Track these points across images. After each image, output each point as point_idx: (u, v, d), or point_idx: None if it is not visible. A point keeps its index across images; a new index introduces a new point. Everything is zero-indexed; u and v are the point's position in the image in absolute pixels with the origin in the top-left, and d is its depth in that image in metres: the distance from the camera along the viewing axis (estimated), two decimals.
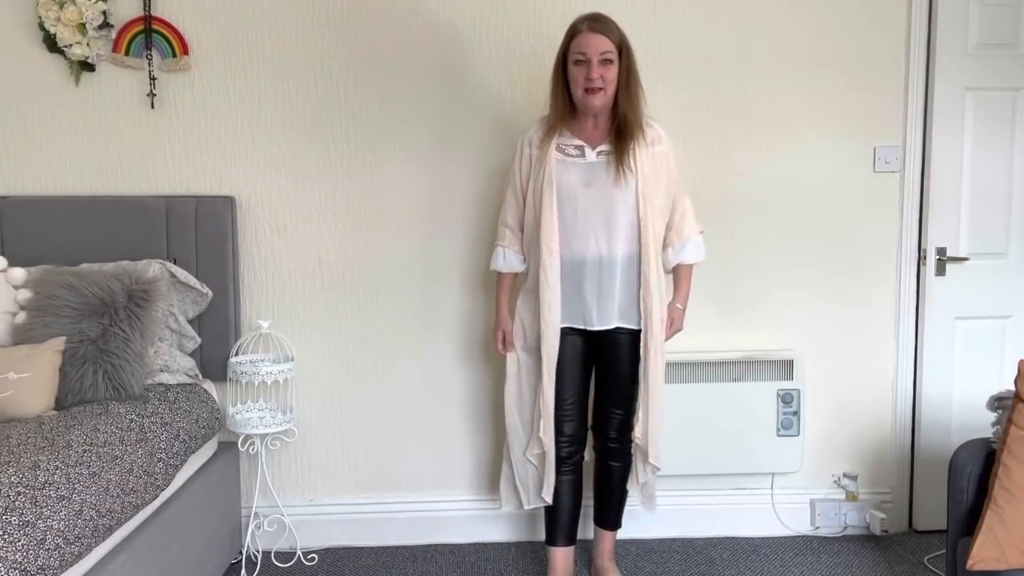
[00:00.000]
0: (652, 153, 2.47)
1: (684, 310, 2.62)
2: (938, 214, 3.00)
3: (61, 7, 2.78)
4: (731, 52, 2.95)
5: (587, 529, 2.81)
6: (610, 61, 2.37)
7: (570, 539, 2.66)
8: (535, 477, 2.60)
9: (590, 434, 2.68)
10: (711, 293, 3.02)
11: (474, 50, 2.92)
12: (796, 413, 2.94)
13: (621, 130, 2.43)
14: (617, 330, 2.51)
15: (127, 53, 2.85)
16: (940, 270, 3.01)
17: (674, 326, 2.60)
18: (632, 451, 2.61)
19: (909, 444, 3.10)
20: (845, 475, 3.05)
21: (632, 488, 2.67)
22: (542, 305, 2.48)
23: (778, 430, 2.94)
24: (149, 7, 2.83)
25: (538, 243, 2.48)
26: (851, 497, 3.04)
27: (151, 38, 2.85)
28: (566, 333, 2.52)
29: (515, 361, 2.60)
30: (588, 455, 2.71)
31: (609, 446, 2.63)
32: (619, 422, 2.60)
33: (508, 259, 2.61)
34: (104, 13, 2.79)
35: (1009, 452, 1.96)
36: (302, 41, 2.90)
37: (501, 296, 2.65)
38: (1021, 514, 1.90)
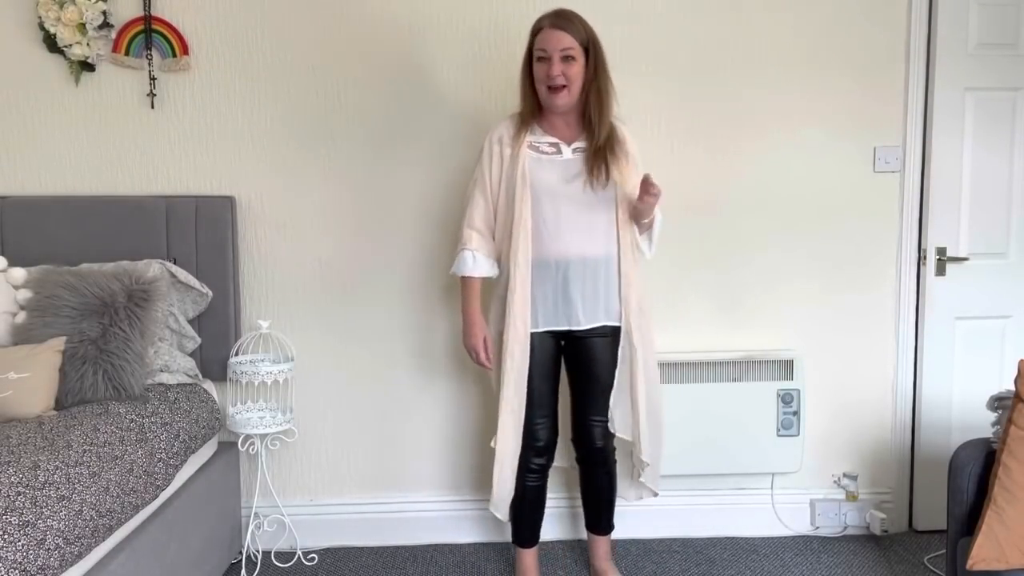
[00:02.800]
0: (626, 152, 2.47)
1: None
2: (938, 214, 3.00)
3: (61, 7, 2.78)
4: (732, 52, 2.95)
5: (581, 529, 2.80)
6: (572, 58, 2.34)
7: (536, 539, 2.71)
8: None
9: (570, 445, 2.66)
10: (711, 293, 3.02)
11: (476, 48, 2.92)
12: (796, 413, 2.94)
13: (592, 128, 2.42)
14: (596, 331, 2.48)
15: (127, 53, 2.85)
16: (940, 270, 3.01)
17: (656, 190, 2.33)
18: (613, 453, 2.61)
19: (909, 444, 3.10)
20: (845, 475, 3.05)
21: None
22: (510, 312, 2.42)
23: (778, 430, 2.94)
24: (149, 7, 2.83)
25: (510, 246, 2.43)
26: (851, 497, 3.04)
27: (151, 38, 2.85)
28: (542, 339, 2.47)
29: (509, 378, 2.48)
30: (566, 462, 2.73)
31: (595, 454, 2.60)
32: (602, 429, 2.57)
33: (479, 263, 2.48)
34: (104, 13, 2.79)
35: (1009, 452, 1.96)
36: (302, 41, 2.90)
37: (471, 303, 2.49)
38: (1021, 514, 1.90)
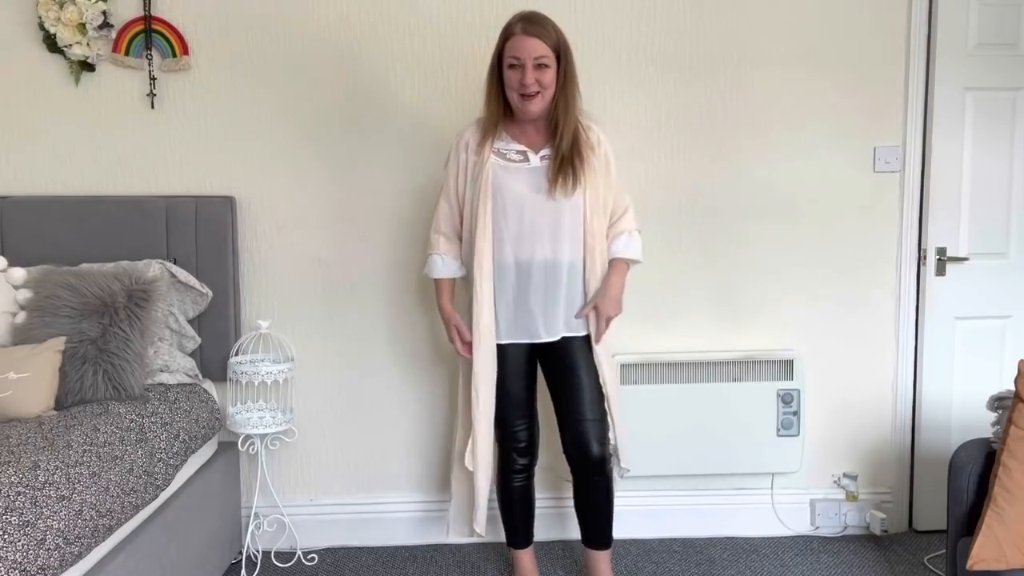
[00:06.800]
0: (597, 156, 2.41)
1: (613, 310, 2.44)
2: (938, 214, 3.00)
3: (61, 7, 2.78)
4: (731, 52, 2.95)
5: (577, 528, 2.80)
6: (546, 65, 2.28)
7: (530, 539, 2.70)
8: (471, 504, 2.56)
9: (564, 460, 2.58)
10: (711, 293, 3.02)
11: (476, 48, 2.92)
12: (796, 413, 2.94)
13: (559, 135, 2.36)
14: (565, 338, 2.45)
15: (127, 53, 2.85)
16: (940, 270, 3.01)
17: (600, 326, 2.43)
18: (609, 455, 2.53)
19: (909, 444, 3.10)
20: (845, 475, 3.05)
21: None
22: (476, 322, 2.40)
23: (778, 430, 2.94)
24: (149, 7, 2.83)
25: (475, 253, 2.40)
26: (851, 497, 3.04)
27: (151, 38, 2.85)
28: (509, 349, 2.45)
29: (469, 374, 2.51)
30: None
31: (591, 463, 2.48)
32: (597, 432, 2.46)
33: (448, 264, 2.51)
34: (104, 13, 2.79)
35: (1009, 452, 1.96)
36: (302, 41, 2.90)
37: (443, 298, 2.53)
38: (1021, 514, 1.90)
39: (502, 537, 3.00)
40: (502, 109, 2.39)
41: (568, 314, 2.43)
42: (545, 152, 2.40)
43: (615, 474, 2.57)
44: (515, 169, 2.39)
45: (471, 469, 2.52)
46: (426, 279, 2.97)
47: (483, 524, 2.57)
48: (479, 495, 2.52)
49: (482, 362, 2.43)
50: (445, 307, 2.54)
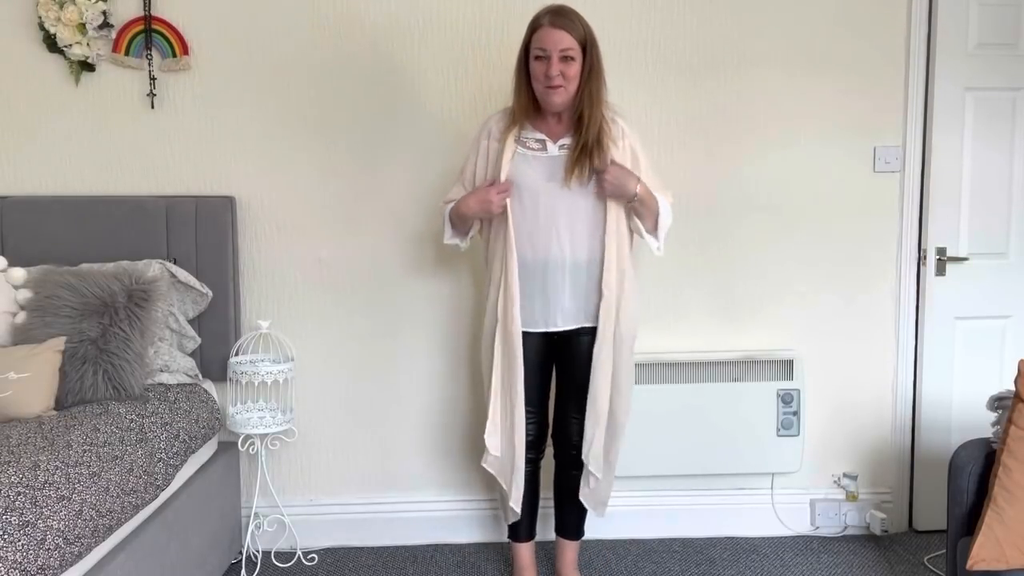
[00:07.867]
0: (620, 148, 2.41)
1: (636, 187, 2.36)
2: (938, 214, 3.00)
3: (61, 7, 2.78)
4: (731, 52, 2.95)
5: (547, 530, 2.79)
6: (571, 58, 2.31)
7: (532, 534, 2.70)
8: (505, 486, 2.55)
9: (550, 440, 2.64)
10: (711, 293, 3.02)
11: (476, 51, 2.92)
12: (796, 413, 2.94)
13: (581, 127, 2.36)
14: (579, 330, 2.46)
15: (127, 53, 2.85)
16: (940, 270, 3.01)
17: (611, 174, 2.34)
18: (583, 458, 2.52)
19: (909, 444, 3.10)
20: (845, 475, 3.05)
21: (580, 494, 2.58)
22: (501, 308, 2.42)
23: (778, 430, 2.94)
24: (149, 7, 2.83)
25: (501, 243, 2.42)
26: (851, 497, 3.04)
27: (151, 38, 2.85)
28: (526, 339, 2.45)
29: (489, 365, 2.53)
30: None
31: (572, 453, 2.55)
32: (580, 427, 2.50)
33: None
34: (104, 13, 2.79)
35: (1009, 452, 1.96)
36: (302, 41, 2.89)
37: (459, 204, 2.45)
38: (1021, 514, 1.90)
39: (503, 537, 3.01)
40: (531, 101, 2.41)
41: (587, 305, 2.44)
42: (564, 142, 2.41)
43: (589, 486, 2.56)
44: (532, 157, 2.41)
45: (516, 454, 2.48)
46: (426, 278, 2.98)
47: (519, 502, 2.52)
48: (517, 472, 2.49)
49: (513, 347, 2.42)
50: (469, 197, 2.44)
